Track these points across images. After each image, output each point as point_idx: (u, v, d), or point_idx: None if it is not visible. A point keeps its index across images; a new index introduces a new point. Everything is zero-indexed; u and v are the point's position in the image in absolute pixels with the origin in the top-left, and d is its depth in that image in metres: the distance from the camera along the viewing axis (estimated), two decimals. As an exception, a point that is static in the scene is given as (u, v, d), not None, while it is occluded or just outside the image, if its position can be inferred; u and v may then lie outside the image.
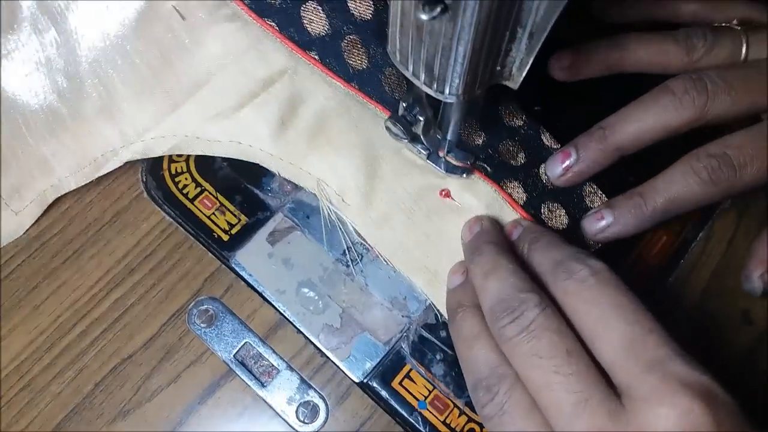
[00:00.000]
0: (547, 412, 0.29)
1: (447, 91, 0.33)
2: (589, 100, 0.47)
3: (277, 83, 0.43)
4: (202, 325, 0.40)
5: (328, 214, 0.42)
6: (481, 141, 0.43)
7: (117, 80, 0.43)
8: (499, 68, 0.33)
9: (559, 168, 0.40)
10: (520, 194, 0.41)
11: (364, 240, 0.42)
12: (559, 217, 0.41)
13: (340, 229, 0.42)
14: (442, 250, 0.41)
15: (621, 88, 0.47)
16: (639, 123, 0.38)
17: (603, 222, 0.39)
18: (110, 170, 0.43)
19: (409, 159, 0.43)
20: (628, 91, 0.47)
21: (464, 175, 0.42)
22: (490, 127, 0.43)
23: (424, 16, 0.27)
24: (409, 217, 0.42)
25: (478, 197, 0.41)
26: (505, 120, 0.44)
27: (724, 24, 0.42)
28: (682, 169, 0.38)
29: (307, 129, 0.43)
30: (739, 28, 0.41)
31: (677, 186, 0.37)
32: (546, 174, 0.42)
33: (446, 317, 0.39)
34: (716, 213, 0.44)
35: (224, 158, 0.43)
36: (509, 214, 0.41)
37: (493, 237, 0.37)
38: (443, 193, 0.42)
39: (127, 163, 0.44)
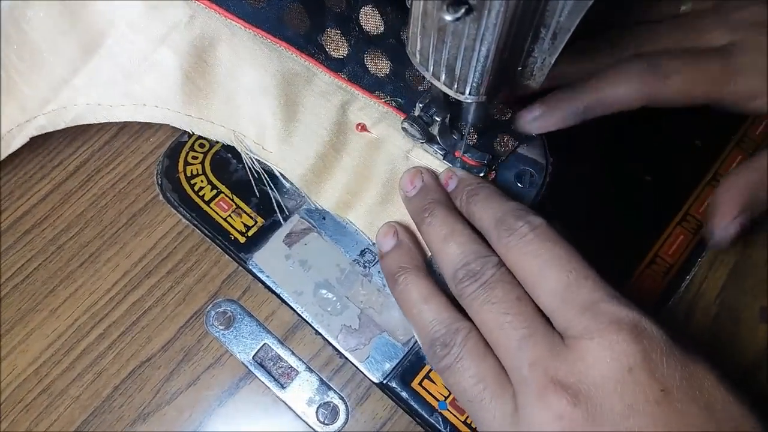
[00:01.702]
0: (498, 350, 0.32)
1: (467, 91, 0.33)
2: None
3: (174, 34, 0.42)
4: (221, 327, 0.40)
5: (252, 164, 0.42)
6: (387, 70, 0.43)
7: (12, 55, 0.42)
8: (520, 68, 0.33)
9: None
10: None
11: (293, 185, 0.42)
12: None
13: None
14: (371, 184, 0.42)
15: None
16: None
17: (534, 113, 0.41)
18: (19, 147, 0.42)
19: (323, 96, 0.43)
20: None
21: (481, 174, 0.42)
22: (396, 54, 0.44)
23: (448, 17, 0.27)
24: (332, 155, 0.43)
25: (395, 128, 0.42)
26: None
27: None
28: (615, 70, 0.39)
29: (214, 80, 0.42)
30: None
31: (608, 85, 0.39)
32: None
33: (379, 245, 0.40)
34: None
35: (239, 160, 0.43)
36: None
37: (437, 194, 0.39)
38: (359, 126, 0.43)
39: (141, 165, 0.45)
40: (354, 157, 0.43)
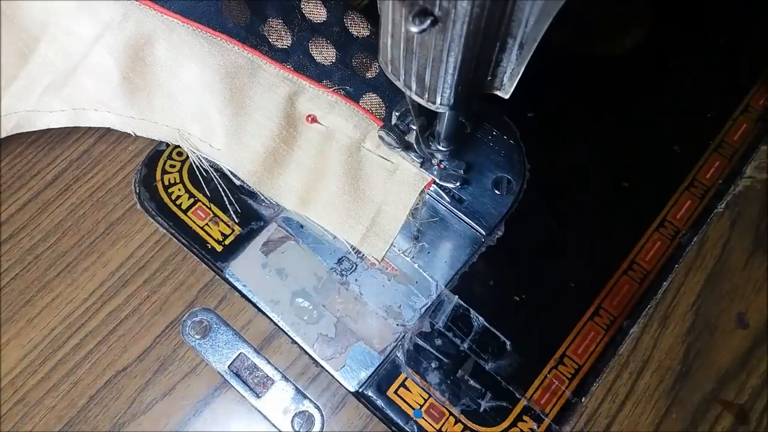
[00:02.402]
0: None
1: (438, 101, 0.33)
2: (582, 105, 0.47)
3: (107, 34, 0.41)
4: (197, 336, 0.40)
5: (200, 163, 0.42)
6: (333, 58, 0.43)
7: None
8: (490, 78, 0.33)
9: None
10: (376, 103, 0.43)
11: (244, 183, 0.42)
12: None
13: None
14: (327, 178, 0.42)
15: (614, 94, 0.48)
16: None
17: None
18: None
19: (269, 89, 0.43)
20: (613, 102, 0.47)
21: (457, 183, 0.42)
22: (341, 42, 0.43)
23: (414, 29, 0.27)
24: (283, 150, 0.42)
25: (346, 117, 0.42)
26: (353, 32, 0.44)
27: None
28: None
29: (154, 79, 0.42)
30: None
31: None
32: None
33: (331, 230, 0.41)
34: (711, 218, 0.44)
35: (216, 169, 0.43)
36: (374, 127, 0.42)
37: None
38: (309, 118, 0.43)
39: (119, 173, 0.45)
40: (306, 151, 0.43)
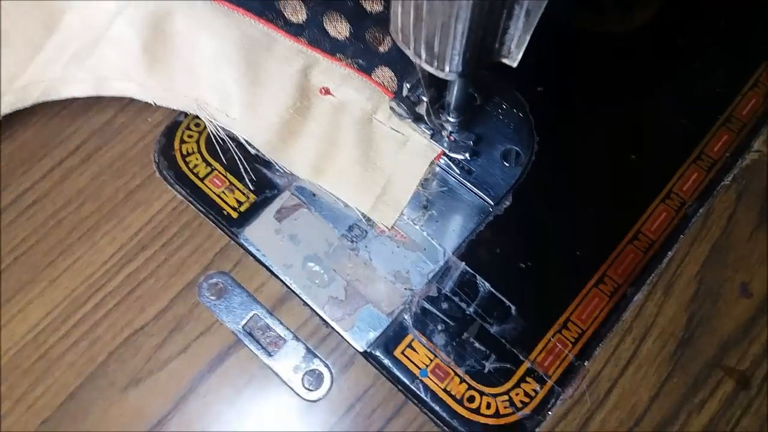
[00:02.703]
0: None
1: (447, 68, 0.34)
2: (591, 79, 0.48)
3: (130, 7, 0.43)
4: (212, 297, 0.41)
5: (217, 131, 0.43)
6: (347, 33, 0.44)
7: None
8: (497, 45, 0.34)
9: None
10: (388, 76, 0.44)
11: (259, 151, 0.43)
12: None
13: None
14: (339, 148, 0.43)
15: (623, 70, 0.48)
16: None
17: None
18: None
19: (284, 61, 0.44)
20: (623, 79, 0.48)
21: (466, 154, 0.43)
22: (354, 17, 0.44)
23: (422, -6, 0.28)
24: (297, 120, 0.44)
25: (358, 90, 0.43)
26: (366, 7, 0.45)
27: None
28: None
29: (174, 50, 0.43)
30: None
31: None
32: None
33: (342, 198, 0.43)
34: (717, 190, 0.44)
35: (232, 138, 0.44)
36: (385, 100, 0.44)
37: None
38: (323, 90, 0.44)
39: (139, 143, 0.46)
40: (320, 122, 0.44)
